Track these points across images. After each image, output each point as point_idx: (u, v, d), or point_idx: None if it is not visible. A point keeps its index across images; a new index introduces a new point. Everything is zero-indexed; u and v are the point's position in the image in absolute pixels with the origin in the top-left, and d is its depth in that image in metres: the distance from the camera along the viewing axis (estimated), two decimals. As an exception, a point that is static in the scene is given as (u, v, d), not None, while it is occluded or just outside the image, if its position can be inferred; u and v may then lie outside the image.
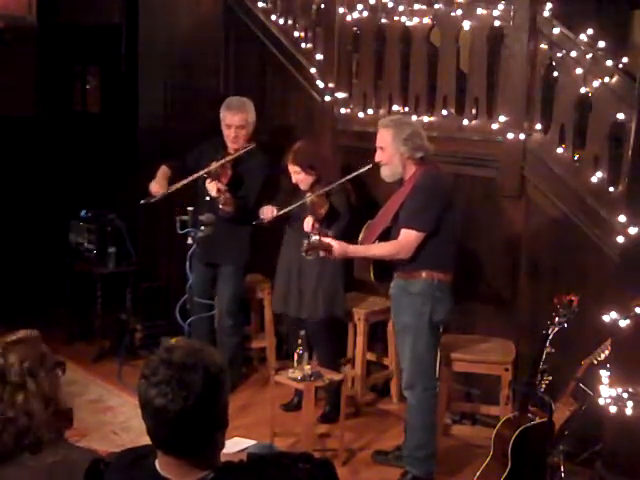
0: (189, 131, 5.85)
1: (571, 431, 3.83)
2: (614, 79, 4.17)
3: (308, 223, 4.41)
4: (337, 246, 3.88)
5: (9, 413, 2.07)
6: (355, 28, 5.42)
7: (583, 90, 4.29)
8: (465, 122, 4.79)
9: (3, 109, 6.35)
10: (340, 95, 5.45)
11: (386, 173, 4.04)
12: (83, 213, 5.94)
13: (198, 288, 4.65)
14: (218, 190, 4.66)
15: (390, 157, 3.98)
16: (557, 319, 3.59)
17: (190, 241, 4.12)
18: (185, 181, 4.69)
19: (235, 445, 2.78)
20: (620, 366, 3.67)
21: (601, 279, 4.14)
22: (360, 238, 4.16)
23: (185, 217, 4.10)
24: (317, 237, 3.85)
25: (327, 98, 5.48)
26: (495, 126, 4.64)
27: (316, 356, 4.80)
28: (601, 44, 4.25)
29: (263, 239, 5.03)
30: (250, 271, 5.27)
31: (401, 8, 5.05)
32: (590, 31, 4.32)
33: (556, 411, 3.59)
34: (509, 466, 3.50)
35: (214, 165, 4.74)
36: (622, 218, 3.79)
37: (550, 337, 3.57)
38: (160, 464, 1.84)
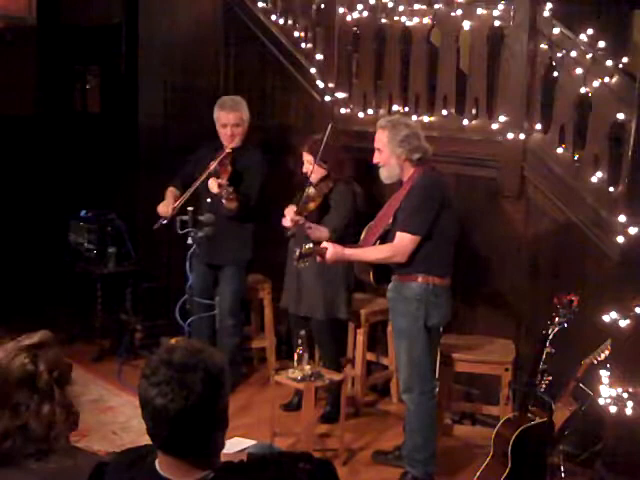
0: (189, 131, 5.85)
1: (571, 431, 3.83)
2: (614, 79, 4.17)
3: (289, 212, 4.38)
4: (332, 250, 3.87)
5: (32, 423, 2.03)
6: (355, 28, 5.42)
7: (583, 90, 4.29)
8: (465, 122, 4.80)
9: (3, 109, 6.35)
10: (340, 95, 5.45)
11: (384, 174, 4.03)
12: (83, 213, 5.94)
13: (198, 288, 4.65)
14: (219, 185, 4.66)
15: (387, 158, 3.96)
16: (557, 319, 3.60)
17: (190, 241, 4.12)
18: (189, 191, 4.67)
19: (235, 445, 2.78)
20: (620, 366, 3.67)
21: (601, 279, 4.14)
22: (361, 239, 4.16)
23: (185, 217, 4.10)
24: (310, 244, 3.85)
25: (327, 98, 5.49)
26: (495, 126, 4.64)
27: (319, 356, 4.81)
28: (601, 44, 4.25)
29: (263, 239, 5.03)
30: (251, 271, 5.27)
31: (401, 8, 5.05)
32: (590, 31, 4.32)
33: (556, 411, 3.59)
34: (509, 466, 3.50)
35: (213, 164, 4.75)
36: (622, 218, 3.80)
37: (550, 337, 3.57)
38: (160, 464, 1.84)
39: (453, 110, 4.88)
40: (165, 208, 4.79)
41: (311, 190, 4.47)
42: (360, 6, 5.29)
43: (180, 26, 6.25)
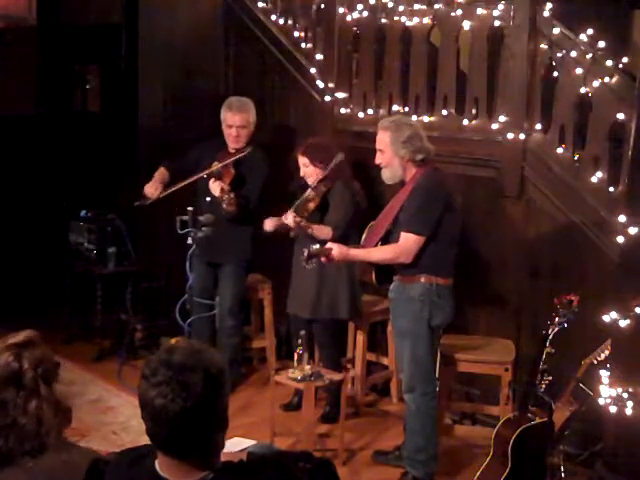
0: (189, 131, 5.84)
1: (571, 431, 3.83)
2: (614, 79, 4.17)
3: (289, 218, 4.38)
4: (337, 250, 3.87)
5: (21, 419, 2.04)
6: (355, 28, 5.42)
7: (583, 90, 4.29)
8: (465, 122, 4.79)
9: (3, 109, 6.34)
10: (340, 95, 5.45)
11: (387, 175, 4.02)
12: (83, 213, 5.94)
13: (198, 288, 4.66)
14: (222, 190, 4.68)
15: (389, 159, 3.96)
16: (557, 319, 3.60)
17: (190, 241, 4.12)
18: (184, 182, 4.72)
19: (235, 445, 2.77)
20: (620, 366, 3.67)
21: (601, 279, 4.14)
22: (362, 239, 4.16)
23: (185, 217, 4.10)
24: (317, 245, 3.86)
25: (327, 98, 5.48)
26: (495, 126, 4.64)
27: (320, 357, 4.81)
28: (601, 44, 4.25)
29: (263, 239, 5.03)
30: (250, 271, 5.27)
31: (401, 8, 5.05)
32: (590, 31, 4.32)
33: (556, 411, 3.59)
34: (509, 466, 3.50)
35: (216, 166, 4.75)
36: (622, 218, 3.80)
37: (550, 337, 3.57)
38: (160, 464, 1.84)
39: (453, 110, 4.87)
40: (152, 190, 4.86)
41: (311, 191, 4.48)
42: (360, 6, 5.29)
43: (180, 26, 6.24)
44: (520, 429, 3.51)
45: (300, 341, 4.28)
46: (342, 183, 4.62)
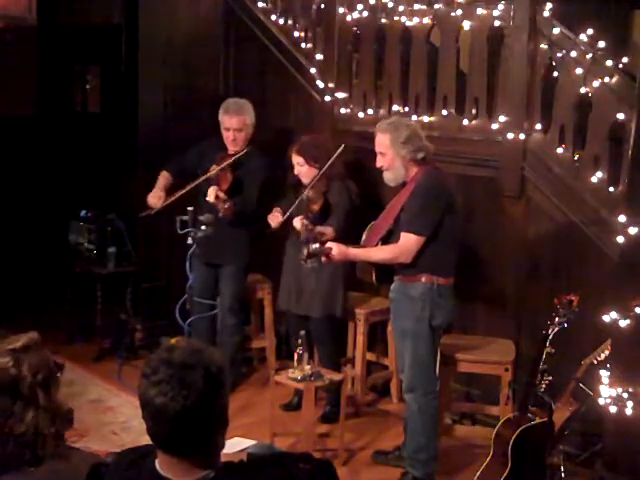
0: (189, 131, 5.85)
1: (571, 431, 3.83)
2: (614, 79, 4.17)
3: (297, 222, 4.41)
4: (337, 250, 3.87)
5: (18, 428, 2.01)
6: (355, 28, 5.42)
7: (583, 90, 4.28)
8: (465, 122, 4.79)
9: (3, 109, 6.34)
10: (340, 95, 5.45)
11: (389, 177, 4.02)
12: (83, 213, 5.94)
13: (198, 288, 4.65)
14: (216, 197, 4.66)
15: (391, 162, 3.95)
16: (557, 319, 3.59)
17: (190, 241, 4.12)
18: (185, 190, 4.71)
19: (235, 445, 2.77)
20: (620, 366, 3.67)
21: (601, 279, 4.14)
22: (363, 239, 4.16)
23: (185, 217, 4.10)
24: (317, 245, 3.85)
25: (327, 98, 5.49)
26: (495, 126, 4.64)
27: (318, 355, 4.81)
28: (601, 44, 4.25)
29: (263, 239, 5.03)
30: (250, 271, 5.27)
31: (401, 8, 5.05)
32: (590, 31, 4.32)
33: (556, 411, 3.59)
34: (509, 466, 3.50)
35: (214, 169, 4.74)
36: (622, 218, 3.80)
37: (550, 337, 3.57)
38: (160, 464, 1.84)
39: (453, 110, 4.87)
40: (155, 200, 4.84)
41: (310, 192, 4.46)
42: (360, 6, 5.29)
43: (180, 26, 6.25)
44: (520, 429, 3.51)
45: (300, 341, 4.28)
46: (339, 182, 4.62)
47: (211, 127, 5.04)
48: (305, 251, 3.80)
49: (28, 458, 2.02)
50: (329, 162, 4.39)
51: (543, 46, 4.43)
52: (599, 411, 3.71)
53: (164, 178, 5.02)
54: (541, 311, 4.22)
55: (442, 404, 4.29)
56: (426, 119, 4.92)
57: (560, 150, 4.43)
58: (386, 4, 5.15)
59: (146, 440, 1.84)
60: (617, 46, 4.72)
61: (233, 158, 4.81)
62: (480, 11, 4.65)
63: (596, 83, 4.22)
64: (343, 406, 4.36)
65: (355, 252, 3.97)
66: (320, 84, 5.52)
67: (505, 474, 3.51)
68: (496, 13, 4.59)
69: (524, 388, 3.69)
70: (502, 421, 3.73)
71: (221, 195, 4.69)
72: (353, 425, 4.70)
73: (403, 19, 5.05)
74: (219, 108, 5.02)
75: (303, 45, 5.69)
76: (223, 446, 1.88)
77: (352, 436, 4.57)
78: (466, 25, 4.72)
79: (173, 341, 1.88)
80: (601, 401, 3.67)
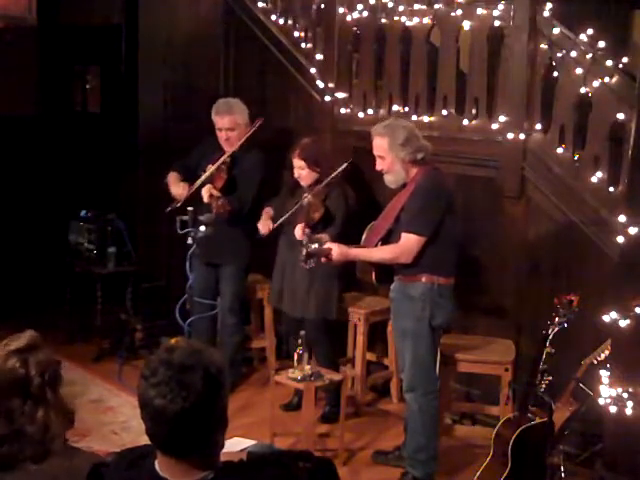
0: (189, 131, 5.85)
1: (571, 431, 3.83)
2: (614, 79, 4.17)
3: (299, 230, 4.40)
4: (337, 250, 3.86)
5: (28, 428, 2.02)
6: (355, 28, 5.42)
7: (583, 90, 4.29)
8: (465, 122, 4.79)
9: (3, 109, 6.35)
10: (340, 95, 5.45)
11: (390, 180, 4.01)
12: (83, 213, 5.94)
13: (198, 288, 4.65)
14: (210, 196, 4.66)
15: (391, 164, 3.95)
16: (557, 319, 3.59)
17: (190, 241, 4.12)
18: (196, 185, 4.71)
19: (235, 445, 2.77)
20: (620, 366, 3.67)
21: (601, 279, 4.14)
22: (363, 239, 4.15)
23: (185, 217, 4.10)
24: (316, 245, 3.84)
25: (327, 98, 5.48)
26: (495, 126, 4.64)
27: (315, 356, 4.80)
28: (601, 44, 4.25)
29: (263, 239, 5.03)
30: (250, 271, 5.28)
31: (401, 8, 5.05)
32: (590, 31, 4.32)
33: (556, 411, 3.59)
34: (509, 466, 3.50)
35: (209, 169, 4.74)
36: (622, 218, 3.80)
37: (550, 337, 3.57)
38: (159, 464, 1.84)
39: (453, 110, 4.87)
40: (180, 191, 4.83)
41: (311, 199, 4.45)
42: (360, 6, 5.29)
43: (180, 26, 6.25)
44: (520, 429, 3.51)
45: (300, 341, 4.28)
46: (337, 188, 4.60)
47: (211, 127, 5.04)
48: (304, 251, 3.80)
49: (30, 455, 2.03)
50: (332, 175, 4.38)
51: (543, 46, 4.44)
52: (599, 411, 3.71)
53: (176, 177, 5.00)
54: (541, 311, 4.22)
55: (442, 404, 4.29)
56: (426, 119, 4.92)
57: (560, 150, 4.43)
58: (386, 4, 5.15)
59: (146, 440, 1.84)
60: (617, 46, 4.72)
61: (224, 157, 4.80)
62: (480, 11, 4.65)
63: (596, 83, 4.22)
64: (343, 406, 4.36)
65: (356, 252, 3.97)
66: (320, 84, 5.52)
67: (505, 474, 3.51)
68: (496, 13, 4.59)
69: (524, 388, 3.69)
70: (502, 421, 3.73)
71: (215, 193, 4.69)
72: (353, 425, 4.70)
73: (403, 19, 5.05)
74: (218, 108, 5.02)
75: (303, 45, 5.69)
76: (223, 446, 1.88)
77: (352, 436, 4.57)
78: (466, 25, 4.72)
79: (173, 341, 1.87)
80: (601, 401, 3.67)
